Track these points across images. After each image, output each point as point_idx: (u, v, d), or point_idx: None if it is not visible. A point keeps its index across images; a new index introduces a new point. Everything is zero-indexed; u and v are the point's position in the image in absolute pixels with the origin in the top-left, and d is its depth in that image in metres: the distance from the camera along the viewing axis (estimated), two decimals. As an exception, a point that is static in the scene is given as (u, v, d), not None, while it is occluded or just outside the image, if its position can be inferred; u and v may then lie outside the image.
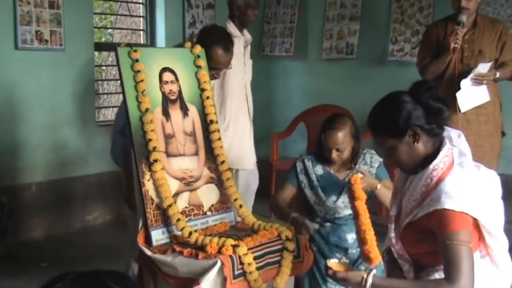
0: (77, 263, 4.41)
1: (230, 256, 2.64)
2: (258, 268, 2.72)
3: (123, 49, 3.00)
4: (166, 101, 3.07)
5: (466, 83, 4.02)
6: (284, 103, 6.63)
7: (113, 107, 7.00)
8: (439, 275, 2.22)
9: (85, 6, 5.45)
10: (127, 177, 3.34)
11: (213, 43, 3.48)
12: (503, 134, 4.32)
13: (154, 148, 2.89)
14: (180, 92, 3.13)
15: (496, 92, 4.22)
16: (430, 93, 2.24)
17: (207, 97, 3.21)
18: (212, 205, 3.13)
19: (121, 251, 4.09)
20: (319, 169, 3.31)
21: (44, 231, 5.22)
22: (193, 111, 3.17)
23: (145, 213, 2.84)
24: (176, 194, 2.99)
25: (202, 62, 3.26)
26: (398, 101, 2.25)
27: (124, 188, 3.48)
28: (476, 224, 2.17)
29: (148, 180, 2.88)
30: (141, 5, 6.30)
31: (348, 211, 3.20)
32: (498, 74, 4.09)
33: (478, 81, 4.02)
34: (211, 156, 3.18)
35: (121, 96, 3.18)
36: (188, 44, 3.30)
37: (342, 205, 3.22)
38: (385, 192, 3.09)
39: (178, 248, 2.75)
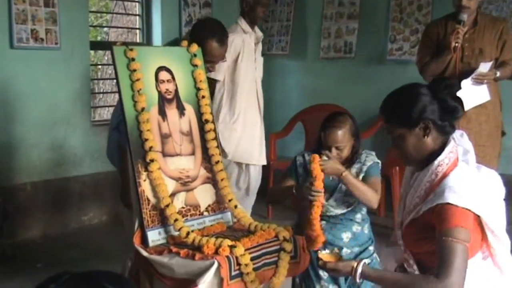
0: (73, 264, 4.41)
1: (227, 256, 2.65)
2: (255, 269, 2.72)
3: (119, 48, 3.00)
4: (163, 101, 3.07)
5: (466, 83, 4.02)
6: (282, 102, 6.63)
7: (109, 106, 6.99)
8: None
9: (80, 4, 5.45)
10: (122, 175, 3.34)
11: (207, 36, 3.49)
12: (503, 133, 4.33)
13: (151, 148, 2.89)
14: (176, 91, 3.13)
15: (497, 91, 4.23)
16: (448, 90, 2.26)
17: (203, 97, 3.22)
18: (209, 205, 3.13)
19: (117, 251, 4.09)
20: None
21: (39, 231, 5.21)
22: (189, 110, 3.18)
23: (141, 214, 2.84)
24: (173, 194, 2.98)
25: (199, 61, 3.27)
26: (416, 92, 2.26)
27: (121, 185, 3.48)
28: (479, 222, 2.17)
29: (145, 180, 2.88)
30: (137, 4, 6.29)
31: (340, 211, 3.21)
32: (498, 74, 4.09)
33: (478, 80, 4.03)
34: (207, 156, 3.18)
35: (117, 95, 3.19)
36: (185, 43, 3.30)
37: (334, 204, 3.21)
38: (352, 181, 3.09)
39: (174, 249, 2.75)
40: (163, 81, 3.09)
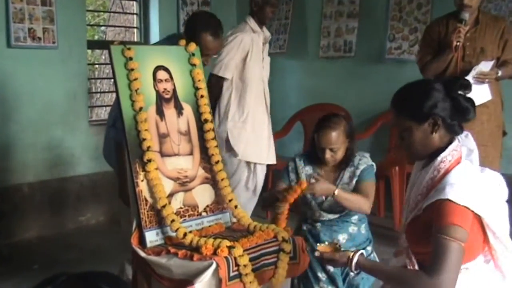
0: (69, 265, 4.40)
1: (226, 257, 2.65)
2: (253, 270, 2.72)
3: (116, 47, 2.99)
4: (160, 100, 3.07)
5: None
6: (281, 102, 6.62)
7: (106, 106, 6.99)
8: None
9: (77, 3, 5.45)
10: (120, 172, 3.34)
11: (202, 29, 3.50)
12: (504, 133, 4.32)
13: (148, 147, 2.89)
14: (174, 90, 3.13)
15: (498, 90, 4.22)
16: (462, 91, 2.26)
17: (202, 96, 3.22)
18: (207, 206, 3.13)
19: (114, 252, 4.09)
20: (309, 170, 3.28)
21: (36, 232, 5.21)
22: (187, 110, 3.17)
23: (139, 214, 2.84)
24: (171, 195, 2.99)
25: (197, 60, 3.26)
26: (430, 87, 2.26)
27: (118, 182, 3.48)
28: (479, 222, 2.16)
29: (142, 181, 2.88)
30: (134, 2, 6.29)
31: (333, 216, 3.18)
32: (500, 73, 4.08)
33: (480, 79, 4.02)
34: (206, 156, 3.18)
35: (114, 95, 3.18)
36: (183, 42, 3.30)
37: (327, 208, 3.19)
38: (345, 196, 3.07)
39: (172, 250, 2.75)
40: (161, 80, 3.09)
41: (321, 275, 3.16)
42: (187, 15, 6.23)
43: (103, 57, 8.20)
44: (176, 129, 3.10)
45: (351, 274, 3.15)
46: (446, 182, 2.14)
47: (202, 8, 6.41)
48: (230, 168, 4.41)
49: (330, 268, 3.17)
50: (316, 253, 2.44)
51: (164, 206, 2.84)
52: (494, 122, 4.20)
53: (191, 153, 3.14)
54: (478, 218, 2.15)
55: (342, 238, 3.20)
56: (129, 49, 2.99)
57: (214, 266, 2.59)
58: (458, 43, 4.03)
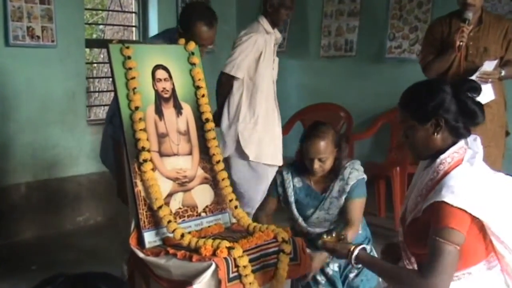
0: (68, 265, 4.40)
1: (225, 258, 2.64)
2: (254, 271, 2.72)
3: (115, 45, 2.99)
4: (159, 99, 3.07)
5: None
6: (281, 101, 6.55)
7: (104, 105, 6.98)
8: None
9: (76, 2, 5.45)
10: (118, 170, 3.34)
11: (196, 19, 3.51)
12: (507, 133, 4.32)
13: (143, 147, 2.88)
14: (173, 90, 3.13)
15: (501, 90, 4.22)
16: (471, 93, 2.24)
17: (203, 95, 3.22)
18: (207, 206, 3.13)
19: (113, 253, 4.09)
20: (297, 182, 3.24)
21: (34, 232, 5.21)
22: (187, 109, 3.17)
23: (138, 214, 2.84)
24: (170, 195, 2.99)
25: (197, 59, 3.27)
26: (437, 87, 2.26)
27: (116, 181, 3.48)
28: (479, 225, 2.14)
29: (140, 181, 2.88)
30: (133, 1, 6.29)
31: (319, 229, 3.14)
32: (503, 73, 4.08)
33: (483, 79, 4.02)
34: (206, 156, 3.18)
35: (113, 94, 3.19)
36: (182, 41, 3.30)
37: (316, 221, 3.16)
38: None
39: (171, 250, 2.75)
40: (160, 79, 3.09)
41: (320, 278, 3.16)
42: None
43: (102, 56, 8.19)
44: (175, 128, 3.10)
45: (350, 276, 3.16)
46: (444, 184, 2.14)
47: (202, 6, 6.40)
48: (241, 170, 4.42)
49: (329, 271, 3.17)
50: (320, 242, 2.48)
51: (160, 207, 2.84)
52: (497, 122, 4.19)
53: (190, 153, 3.14)
54: (479, 222, 2.13)
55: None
56: (127, 47, 2.99)
57: (213, 267, 2.59)
58: (461, 43, 4.02)
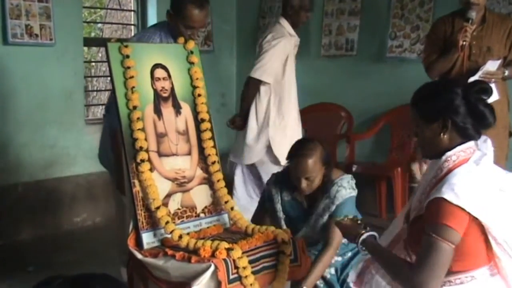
0: (65, 267, 4.40)
1: (224, 259, 2.64)
2: (254, 272, 2.72)
3: (113, 44, 3.00)
4: (158, 99, 3.06)
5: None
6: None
7: (102, 104, 6.97)
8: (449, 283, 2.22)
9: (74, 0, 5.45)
10: (116, 160, 3.33)
11: (187, 1, 3.51)
12: (511, 134, 4.32)
13: (141, 147, 2.88)
14: (172, 89, 3.13)
15: (505, 90, 4.21)
16: (480, 95, 2.25)
17: (199, 95, 3.21)
18: (206, 207, 3.13)
19: (111, 254, 4.08)
20: (286, 195, 3.22)
21: (30, 233, 5.20)
22: (186, 109, 3.17)
23: (136, 215, 2.84)
24: (169, 195, 2.99)
25: (195, 58, 3.26)
26: (447, 88, 2.28)
27: (115, 173, 3.47)
28: (480, 226, 2.13)
29: (139, 181, 2.88)
30: (132, -1, 6.30)
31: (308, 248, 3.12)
32: (506, 72, 4.07)
33: (486, 79, 4.01)
34: (204, 156, 3.17)
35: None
36: (181, 40, 3.30)
37: (303, 238, 3.11)
38: (315, 279, 3.04)
39: (170, 252, 2.75)
40: (159, 78, 3.09)
41: (318, 282, 3.16)
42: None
43: (100, 55, 8.20)
44: (174, 128, 3.10)
45: (348, 280, 3.16)
46: (446, 181, 2.15)
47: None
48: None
49: (327, 275, 3.17)
50: (335, 219, 2.58)
51: (158, 208, 2.83)
52: (500, 122, 4.16)
53: (189, 153, 3.14)
54: (478, 221, 2.13)
55: None
56: (126, 46, 2.99)
57: (212, 268, 2.59)
58: (464, 43, 4.01)
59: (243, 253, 2.71)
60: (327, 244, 3.05)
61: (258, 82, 4.50)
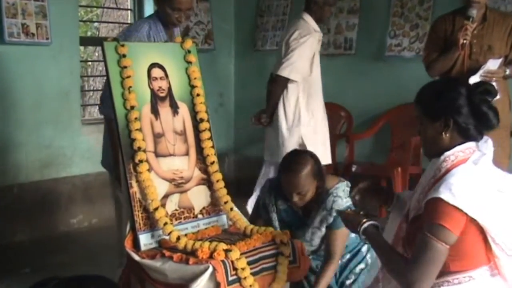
0: (61, 268, 4.39)
1: (222, 261, 2.64)
2: (253, 274, 2.72)
3: (109, 43, 2.99)
4: (155, 99, 3.06)
5: (474, 80, 4.00)
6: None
7: (99, 104, 6.98)
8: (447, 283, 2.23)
9: (70, -2, 5.45)
10: (112, 147, 3.33)
11: None
12: (512, 134, 4.32)
13: (139, 148, 2.88)
14: (169, 89, 3.13)
15: (506, 89, 4.21)
16: (484, 96, 2.26)
17: (198, 94, 3.21)
18: (204, 208, 3.13)
19: (107, 255, 4.08)
20: (281, 204, 3.21)
21: (26, 234, 5.20)
22: (183, 109, 3.17)
23: (133, 216, 2.84)
24: (166, 196, 2.98)
25: (193, 58, 3.26)
26: (452, 87, 2.29)
27: (113, 161, 3.46)
28: (478, 226, 2.14)
29: (136, 182, 2.88)
30: (129, -2, 6.29)
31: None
32: (508, 71, 4.07)
33: (487, 78, 4.01)
34: (202, 157, 3.17)
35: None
36: (178, 39, 3.30)
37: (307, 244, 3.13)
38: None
39: (167, 253, 2.75)
40: (156, 78, 3.09)
41: None
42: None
43: (96, 54, 8.20)
44: (172, 128, 3.10)
45: (347, 283, 3.17)
46: (444, 181, 2.16)
47: (201, 3, 6.41)
48: None
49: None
50: (336, 210, 2.65)
51: (156, 209, 2.83)
52: (501, 121, 4.16)
53: (186, 154, 3.14)
54: (476, 222, 2.13)
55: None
56: (122, 45, 2.99)
57: (210, 270, 2.59)
58: (465, 41, 4.01)
59: (241, 254, 2.70)
60: (330, 258, 3.06)
61: (286, 80, 4.54)
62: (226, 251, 2.67)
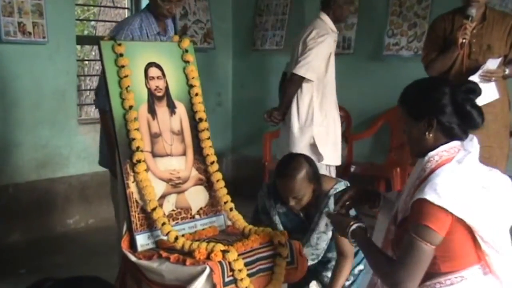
0: (57, 269, 4.40)
1: (220, 262, 2.64)
2: (250, 275, 2.72)
3: (106, 42, 2.99)
4: (152, 98, 3.06)
5: (474, 80, 4.01)
6: (277, 100, 6.61)
7: (94, 99, 6.97)
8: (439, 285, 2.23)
9: (66, -3, 5.44)
10: (107, 140, 3.33)
11: None
12: (511, 133, 4.32)
13: (138, 148, 2.88)
14: (167, 88, 3.13)
15: (505, 89, 4.21)
16: (468, 95, 2.26)
17: (196, 94, 3.21)
18: (201, 208, 3.13)
19: (104, 256, 4.08)
20: (280, 207, 3.22)
21: (22, 235, 5.19)
22: (180, 108, 3.17)
23: (130, 217, 2.84)
24: (163, 197, 2.98)
25: (191, 57, 3.26)
26: (435, 87, 2.30)
27: (108, 153, 3.45)
28: (465, 226, 2.14)
29: (133, 182, 2.87)
30: (126, -4, 6.29)
31: (310, 262, 3.11)
32: (507, 71, 4.07)
33: (486, 78, 4.01)
34: (200, 157, 3.17)
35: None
36: (176, 38, 3.30)
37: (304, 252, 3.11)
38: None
39: (164, 254, 2.75)
40: (153, 77, 3.08)
41: (315, 286, 3.16)
42: (183, 9, 6.21)
43: (93, 53, 8.19)
44: (169, 128, 3.09)
45: (346, 284, 3.17)
46: (428, 181, 2.16)
47: (200, 2, 6.40)
48: None
49: (325, 279, 3.17)
50: (325, 211, 2.65)
51: (154, 209, 2.83)
52: (500, 121, 4.18)
53: (184, 154, 3.14)
54: (463, 222, 2.14)
55: (330, 255, 3.20)
56: (119, 45, 2.99)
57: (207, 271, 2.59)
58: (464, 40, 4.01)
59: (239, 255, 2.70)
60: (344, 256, 3.09)
61: (301, 79, 4.54)
62: (224, 252, 2.67)
